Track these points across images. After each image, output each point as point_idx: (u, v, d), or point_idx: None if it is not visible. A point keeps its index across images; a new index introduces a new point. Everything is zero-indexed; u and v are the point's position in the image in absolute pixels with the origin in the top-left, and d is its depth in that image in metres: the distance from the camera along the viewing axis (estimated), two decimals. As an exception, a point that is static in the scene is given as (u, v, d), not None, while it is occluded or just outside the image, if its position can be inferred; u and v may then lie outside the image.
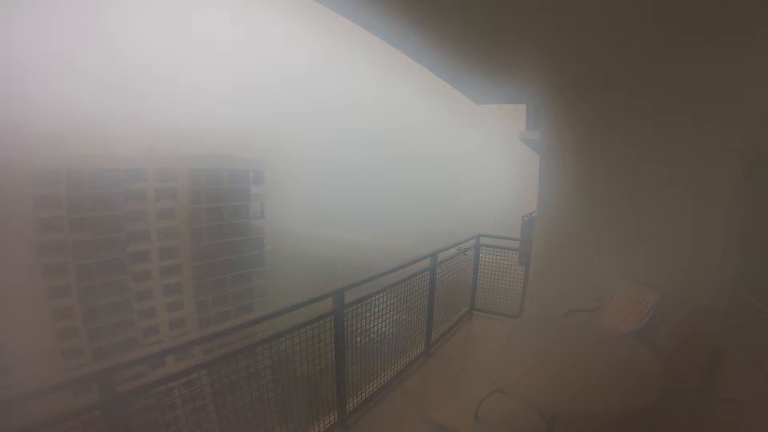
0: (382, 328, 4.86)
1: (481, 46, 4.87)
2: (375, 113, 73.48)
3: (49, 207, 29.25)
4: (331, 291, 4.01)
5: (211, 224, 37.71)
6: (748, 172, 4.38)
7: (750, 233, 4.38)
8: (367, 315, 4.60)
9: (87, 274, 31.29)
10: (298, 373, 3.83)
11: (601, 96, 5.30)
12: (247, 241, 40.46)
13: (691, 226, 4.79)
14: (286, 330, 3.58)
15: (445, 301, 6.61)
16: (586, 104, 5.45)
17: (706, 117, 4.58)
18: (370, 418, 4.61)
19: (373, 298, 4.68)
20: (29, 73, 34.42)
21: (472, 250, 7.22)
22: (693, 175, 4.76)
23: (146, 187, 33.76)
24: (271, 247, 43.04)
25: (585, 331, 4.67)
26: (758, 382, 3.73)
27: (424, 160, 68.05)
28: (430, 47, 5.04)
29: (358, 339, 4.50)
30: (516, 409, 4.28)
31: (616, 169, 5.28)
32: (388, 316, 4.91)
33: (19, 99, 30.86)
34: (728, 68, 4.31)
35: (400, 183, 67.40)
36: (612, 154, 5.30)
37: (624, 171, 5.21)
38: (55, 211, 29.58)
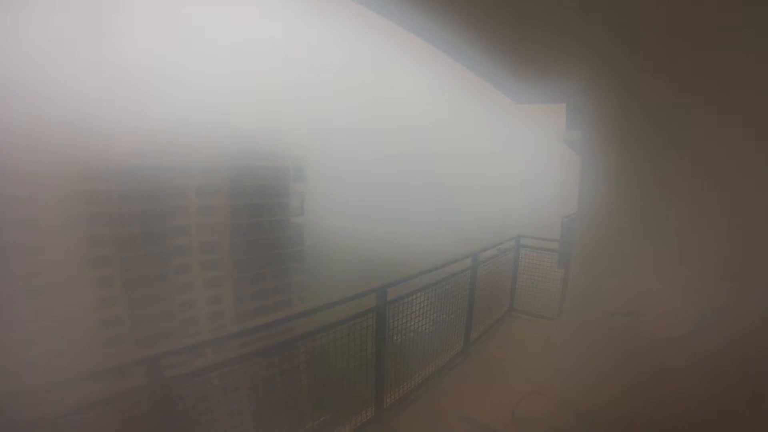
0: (422, 326, 4.88)
1: (523, 42, 4.83)
2: (415, 112, 73.21)
3: (98, 202, 30.28)
4: (375, 287, 4.06)
5: (251, 220, 38.14)
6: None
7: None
8: (408, 312, 4.63)
9: (131, 266, 32.23)
10: (338, 367, 3.90)
11: (651, 95, 5.18)
12: (287, 237, 40.73)
13: (743, 234, 4.65)
14: (328, 324, 3.65)
15: (485, 300, 6.56)
16: (635, 103, 5.33)
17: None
18: (406, 415, 4.64)
19: (414, 296, 4.71)
20: (84, 76, 35.50)
21: (512, 251, 7.18)
22: (746, 179, 4.62)
23: (188, 184, 34.47)
24: (310, 243, 43.22)
25: (625, 335, 4.62)
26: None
27: (464, 160, 67.47)
28: (469, 44, 5.02)
29: (395, 337, 4.54)
30: (554, 411, 4.26)
31: (664, 171, 5.15)
32: (428, 314, 4.93)
33: (71, 100, 31.97)
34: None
35: (441, 182, 66.97)
36: (661, 156, 5.16)
37: (673, 173, 5.08)
38: (103, 207, 30.60)
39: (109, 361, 2.60)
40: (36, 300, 27.63)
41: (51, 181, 27.80)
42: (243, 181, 37.32)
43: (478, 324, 6.44)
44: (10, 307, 26.58)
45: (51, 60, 33.85)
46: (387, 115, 72.36)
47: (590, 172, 5.83)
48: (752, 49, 4.12)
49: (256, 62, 58.82)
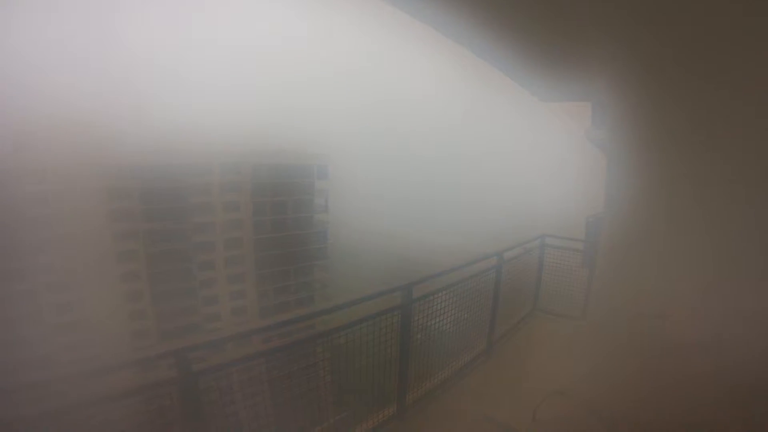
0: (445, 324, 4.88)
1: (550, 37, 4.78)
2: (440, 110, 72.97)
3: (123, 199, 30.85)
4: (400, 285, 4.07)
5: (274, 217, 38.36)
6: None
7: None
8: (433, 311, 4.63)
9: (156, 261, 32.76)
10: (362, 363, 3.92)
11: (685, 93, 5.04)
12: (311, 234, 40.84)
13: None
14: (354, 321, 3.67)
15: (509, 300, 6.50)
16: (666, 101, 5.20)
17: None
18: (428, 413, 4.64)
19: (439, 295, 4.70)
20: (107, 76, 36.16)
21: (537, 250, 7.13)
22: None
23: (212, 181, 34.85)
24: (334, 241, 43.33)
25: (652, 338, 4.54)
26: None
27: (488, 159, 67.04)
28: (496, 42, 4.99)
29: (419, 336, 4.54)
30: (575, 413, 4.22)
31: (696, 171, 5.01)
32: (452, 312, 4.92)
33: (95, 100, 32.62)
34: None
35: (465, 181, 66.64)
36: (692, 154, 5.03)
37: (705, 173, 4.94)
38: (129, 203, 31.16)
39: (139, 354, 2.69)
40: (61, 294, 28.36)
41: (78, 179, 28.44)
42: (267, 178, 37.54)
43: (502, 323, 6.40)
44: (34, 300, 27.35)
45: (75, 59, 34.60)
46: (412, 113, 72.22)
47: (617, 171, 5.74)
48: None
49: (281, 60, 59.12)
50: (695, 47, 4.52)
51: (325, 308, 3.54)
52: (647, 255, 5.37)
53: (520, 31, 4.48)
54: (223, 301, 36.02)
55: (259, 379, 3.23)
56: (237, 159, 35.97)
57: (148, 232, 32.23)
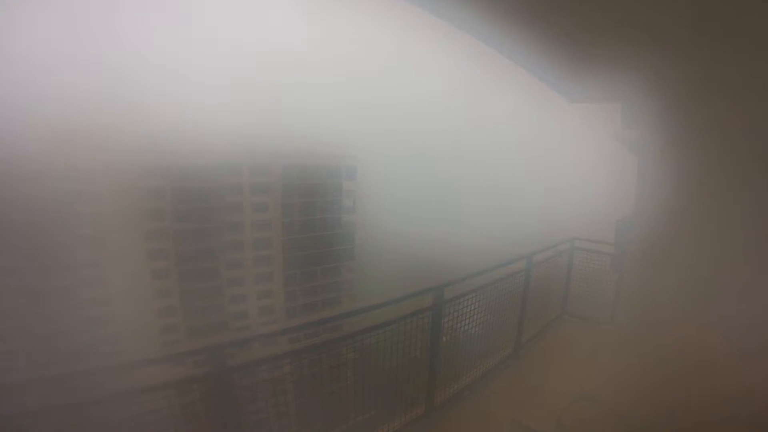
0: (474, 326, 4.89)
1: (580, 34, 4.70)
2: (466, 112, 72.57)
3: (154, 198, 31.52)
4: (432, 286, 4.09)
5: (303, 218, 38.62)
6: None
7: None
8: (463, 312, 4.65)
9: (185, 259, 33.35)
10: (392, 363, 3.95)
11: (720, 89, 4.90)
12: (338, 235, 40.96)
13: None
14: (385, 321, 3.72)
15: (537, 303, 6.48)
16: (701, 98, 5.05)
17: None
18: (455, 414, 4.65)
19: (469, 296, 4.72)
20: (138, 77, 36.91)
21: (567, 254, 7.07)
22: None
23: (242, 182, 35.28)
24: (361, 242, 43.42)
25: (682, 344, 4.45)
26: None
27: (516, 161, 66.46)
28: (523, 41, 4.95)
29: (447, 337, 4.55)
30: (601, 419, 4.17)
31: (734, 173, 4.86)
32: (481, 314, 4.93)
33: (126, 101, 33.40)
34: None
35: (493, 183, 66.21)
36: (730, 154, 4.88)
37: (741, 173, 4.79)
38: (159, 203, 31.82)
39: (168, 349, 2.78)
40: (96, 288, 29.18)
41: (114, 179, 29.22)
42: (296, 179, 37.84)
43: (530, 326, 6.38)
44: (72, 294, 28.21)
45: (104, 62, 35.45)
46: (440, 115, 72.01)
47: (649, 173, 5.62)
48: None
49: (310, 62, 59.53)
50: (732, 41, 4.38)
51: (361, 307, 3.59)
52: (679, 259, 5.26)
53: (548, 29, 4.43)
54: (250, 300, 36.44)
55: (290, 377, 3.30)
56: (266, 160, 36.34)
57: (178, 232, 32.84)
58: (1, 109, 27.59)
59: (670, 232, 5.36)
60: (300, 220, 38.50)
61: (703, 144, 5.04)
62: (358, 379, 3.73)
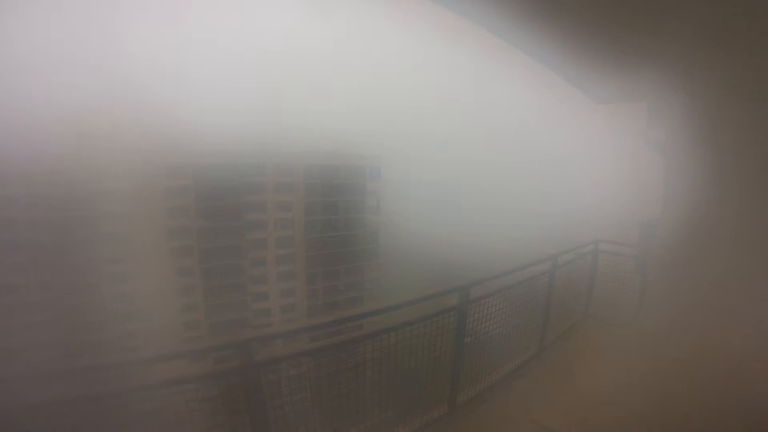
0: (497, 327, 4.89)
1: (609, 31, 4.64)
2: (491, 113, 72.09)
3: (178, 197, 32.04)
4: (458, 286, 4.11)
5: (326, 217, 38.77)
6: None
7: None
8: (487, 313, 4.67)
9: (209, 257, 33.81)
10: (416, 362, 3.98)
11: (749, 90, 4.79)
12: (361, 235, 41.00)
13: None
14: (412, 320, 3.75)
15: (561, 305, 6.44)
16: (731, 99, 4.94)
17: None
18: (477, 414, 4.67)
19: (493, 297, 4.74)
20: (159, 76, 37.51)
21: (590, 256, 7.00)
22: None
23: (266, 181, 35.58)
24: (385, 242, 43.40)
25: (708, 350, 4.36)
26: None
27: (541, 163, 65.81)
28: (550, 41, 4.91)
29: (469, 337, 4.56)
30: (624, 423, 4.12)
31: (765, 178, 4.75)
32: (504, 315, 4.94)
33: (153, 101, 33.98)
34: None
35: (516, 185, 65.66)
36: (764, 160, 4.77)
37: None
38: (184, 201, 32.32)
39: (192, 344, 2.88)
40: (120, 284, 29.96)
41: (141, 178, 29.88)
42: (319, 179, 38.02)
43: (553, 328, 6.36)
44: (97, 290, 29.01)
45: (131, 62, 36.13)
46: (464, 116, 71.63)
47: (676, 175, 5.52)
48: None
49: (334, 62, 59.75)
50: (763, 41, 4.28)
51: (389, 305, 3.62)
52: (707, 263, 5.16)
53: (574, 29, 4.40)
54: (273, 298, 36.73)
55: (315, 374, 3.37)
56: (290, 160, 36.58)
57: (202, 229, 33.31)
58: (29, 109, 28.35)
59: (698, 235, 5.26)
60: (323, 219, 38.67)
61: (733, 145, 4.93)
62: (382, 376, 3.78)
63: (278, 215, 36.51)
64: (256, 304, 35.99)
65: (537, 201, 61.93)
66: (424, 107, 69.72)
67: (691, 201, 5.30)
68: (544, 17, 4.15)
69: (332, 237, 39.11)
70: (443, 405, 4.53)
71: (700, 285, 5.15)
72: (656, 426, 3.43)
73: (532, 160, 66.17)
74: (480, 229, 59.31)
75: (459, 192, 64.90)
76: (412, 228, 55.80)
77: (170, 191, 31.74)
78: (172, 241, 32.32)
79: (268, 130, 37.51)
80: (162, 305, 31.26)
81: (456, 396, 4.53)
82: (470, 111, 71.84)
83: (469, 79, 73.63)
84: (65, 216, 27.54)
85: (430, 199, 61.62)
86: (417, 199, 59.34)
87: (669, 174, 5.53)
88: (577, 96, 7.40)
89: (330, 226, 39.05)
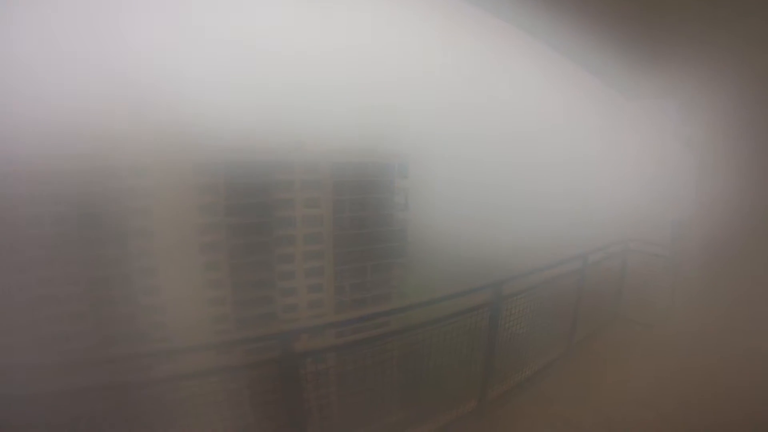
0: (527, 324, 4.91)
1: (638, 33, 4.59)
2: (522, 113, 71.33)
3: (208, 194, 32.60)
4: (491, 282, 4.16)
5: (354, 214, 38.86)
6: None
7: None
8: (515, 311, 4.71)
9: (237, 252, 34.30)
10: (448, 358, 4.04)
11: None
12: (389, 232, 40.96)
13: None
14: (445, 316, 3.83)
15: (590, 304, 6.39)
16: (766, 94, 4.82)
17: None
18: (506, 411, 4.70)
19: (524, 294, 4.79)
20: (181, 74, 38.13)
21: (621, 255, 6.94)
22: None
23: (294, 178, 35.87)
24: (413, 239, 43.36)
25: (744, 357, 4.26)
26: None
27: (570, 161, 64.93)
28: (580, 39, 4.87)
29: (502, 334, 4.58)
30: (653, 425, 4.10)
31: None
32: (534, 313, 4.98)
33: (178, 101, 34.62)
34: None
35: (545, 185, 64.93)
36: None
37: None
38: (213, 198, 32.87)
39: (244, 333, 3.06)
40: (151, 279, 30.94)
41: (171, 175, 30.55)
42: (348, 176, 38.15)
43: (583, 327, 6.33)
44: (127, 284, 29.94)
45: (159, 60, 36.83)
46: (493, 115, 71.02)
47: (711, 172, 5.42)
48: None
49: (364, 60, 59.79)
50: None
51: (424, 300, 3.71)
52: (744, 263, 5.06)
53: (606, 24, 4.37)
54: (300, 294, 37.02)
55: (350, 367, 3.47)
56: (318, 157, 36.80)
57: (230, 225, 33.80)
58: (58, 108, 29.20)
59: (734, 236, 5.16)
60: (351, 216, 38.77)
61: None
62: (415, 370, 3.85)
63: (306, 212, 36.76)
64: (283, 300, 36.35)
65: (566, 200, 61.20)
66: (454, 105, 69.30)
67: (726, 200, 5.21)
68: (579, 15, 4.14)
69: (360, 234, 39.18)
70: (473, 401, 4.58)
71: (735, 288, 5.07)
72: (683, 430, 3.39)
73: (561, 158, 65.39)
74: (508, 227, 58.85)
75: (487, 191, 64.42)
76: (439, 226, 55.61)
77: (199, 188, 32.32)
78: (202, 237, 32.93)
79: (296, 129, 37.80)
80: (190, 299, 31.93)
81: (486, 393, 4.57)
82: (498, 110, 71.22)
83: (499, 78, 72.96)
84: (99, 212, 28.52)
85: (458, 197, 61.32)
86: (445, 197, 59.11)
87: (702, 172, 5.43)
88: (608, 92, 7.34)
89: (358, 223, 39.13)
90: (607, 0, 3.58)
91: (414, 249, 43.91)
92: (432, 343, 3.84)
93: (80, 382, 2.56)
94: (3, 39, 30.49)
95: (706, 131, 5.39)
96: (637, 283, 7.02)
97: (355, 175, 38.55)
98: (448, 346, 3.99)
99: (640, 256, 7.01)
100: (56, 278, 27.74)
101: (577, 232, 46.27)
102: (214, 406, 2.89)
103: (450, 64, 73.47)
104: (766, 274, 4.82)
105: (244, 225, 34.25)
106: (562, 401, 4.92)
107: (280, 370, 2.99)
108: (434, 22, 67.46)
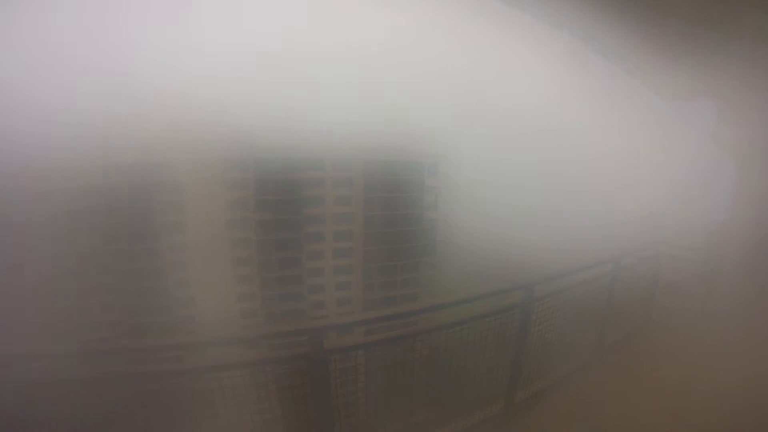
0: (558, 327, 4.88)
1: (678, 31, 4.50)
2: (554, 113, 70.39)
3: (238, 190, 33.09)
4: (522, 284, 4.15)
5: (384, 213, 38.90)
6: None
7: None
8: (545, 313, 4.69)
9: (266, 248, 34.71)
10: (478, 357, 4.05)
11: None
12: (419, 231, 40.93)
13: None
14: (476, 316, 3.84)
15: (622, 309, 6.30)
16: None
17: None
18: (533, 414, 4.68)
19: (554, 297, 4.75)
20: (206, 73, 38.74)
21: (654, 259, 6.83)
22: None
23: (324, 176, 36.12)
24: (442, 238, 43.27)
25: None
26: None
27: (602, 162, 63.84)
28: (616, 37, 4.80)
29: (531, 336, 4.57)
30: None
31: None
32: (565, 316, 4.95)
33: (210, 99, 35.25)
34: None
35: (578, 186, 64.01)
36: None
37: None
38: (243, 193, 33.34)
39: (276, 328, 3.15)
40: (179, 272, 31.64)
41: (201, 170, 31.20)
42: (378, 174, 38.24)
43: (614, 331, 6.25)
44: (158, 277, 30.79)
45: (193, 57, 37.48)
46: (524, 115, 70.26)
47: (751, 177, 5.29)
48: None
49: (395, 59, 59.74)
50: None
51: (453, 300, 3.73)
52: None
53: (642, 23, 4.30)
54: (329, 291, 37.26)
55: (378, 365, 3.50)
56: (349, 155, 36.98)
57: (260, 222, 34.23)
58: (93, 106, 30.05)
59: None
60: (381, 215, 38.83)
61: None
62: (442, 371, 3.87)
63: (336, 209, 36.97)
64: (312, 296, 36.62)
65: (600, 202, 60.23)
66: (485, 105, 68.73)
67: (766, 206, 5.08)
68: (613, 12, 4.09)
69: (390, 233, 39.22)
70: (500, 403, 4.57)
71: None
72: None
73: (592, 158, 64.35)
74: (538, 229, 58.17)
75: (517, 191, 63.76)
76: (469, 225, 55.27)
77: (231, 184, 32.83)
78: (232, 232, 33.43)
79: (328, 128, 38.06)
80: (220, 294, 32.49)
81: (513, 395, 4.56)
82: (530, 110, 70.35)
83: (531, 77, 72.09)
84: (132, 206, 29.57)
85: (488, 197, 60.84)
86: (475, 197, 58.72)
87: (741, 176, 5.31)
88: (646, 93, 7.22)
89: (388, 221, 39.17)
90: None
91: (443, 248, 43.76)
92: (460, 344, 3.85)
93: (112, 369, 2.66)
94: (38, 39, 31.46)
95: (747, 134, 5.26)
96: (671, 288, 6.89)
97: (386, 173, 38.62)
98: (477, 346, 3.98)
99: (673, 260, 6.89)
100: (89, 269, 28.62)
101: (607, 234, 45.53)
102: (244, 398, 2.96)
103: (482, 63, 72.93)
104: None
105: (274, 221, 34.62)
106: (592, 406, 4.88)
107: (309, 366, 3.03)
108: (475, 23, 67.03)
